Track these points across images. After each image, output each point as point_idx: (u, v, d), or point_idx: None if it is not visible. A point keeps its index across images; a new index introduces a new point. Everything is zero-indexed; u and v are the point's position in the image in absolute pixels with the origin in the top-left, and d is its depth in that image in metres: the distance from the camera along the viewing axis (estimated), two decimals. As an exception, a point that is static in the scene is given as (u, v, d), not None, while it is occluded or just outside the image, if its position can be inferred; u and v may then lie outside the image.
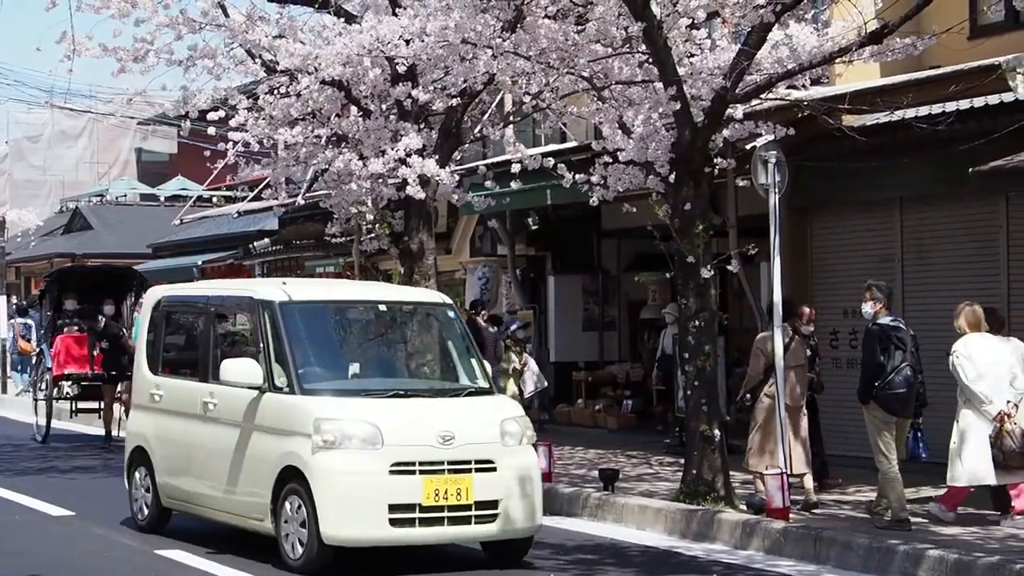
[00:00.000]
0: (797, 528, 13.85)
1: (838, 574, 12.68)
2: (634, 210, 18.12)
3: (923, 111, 16.93)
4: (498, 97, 21.75)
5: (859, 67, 16.95)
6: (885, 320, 14.76)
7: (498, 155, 23.80)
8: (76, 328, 25.84)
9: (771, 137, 16.15)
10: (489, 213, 24.59)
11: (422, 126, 19.12)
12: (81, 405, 26.73)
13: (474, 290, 28.98)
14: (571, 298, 26.93)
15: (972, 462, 14.23)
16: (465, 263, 29.67)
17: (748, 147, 16.73)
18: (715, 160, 16.42)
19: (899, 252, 19.13)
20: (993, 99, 16.45)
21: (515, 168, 18.92)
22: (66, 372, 25.43)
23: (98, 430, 25.50)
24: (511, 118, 21.11)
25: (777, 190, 16.00)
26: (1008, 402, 14.12)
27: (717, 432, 15.59)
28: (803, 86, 16.79)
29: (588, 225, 26.12)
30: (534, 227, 25.77)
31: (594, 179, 17.27)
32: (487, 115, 21.22)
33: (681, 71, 15.77)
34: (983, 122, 16.61)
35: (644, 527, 15.28)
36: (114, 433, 24.30)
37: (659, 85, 15.72)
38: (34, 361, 28.11)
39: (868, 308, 14.90)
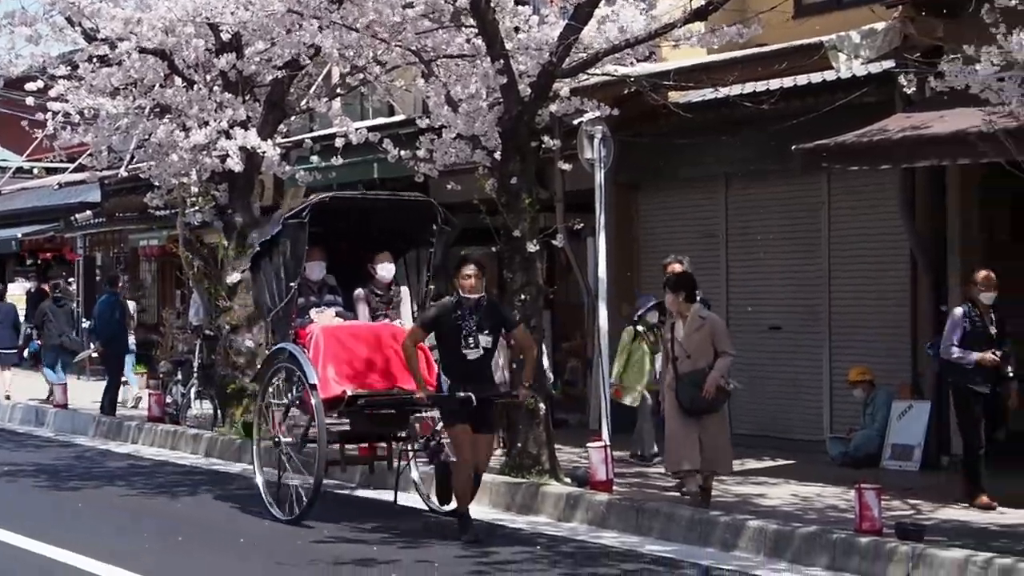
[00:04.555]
0: (620, 500, 13.92)
1: (660, 545, 12.74)
2: (459, 188, 18.06)
3: (748, 89, 17.12)
4: (325, 70, 21.56)
5: (686, 45, 17.06)
6: None
7: (324, 128, 23.61)
8: (337, 313, 15.07)
9: (597, 113, 16.21)
10: (315, 187, 24.40)
11: (247, 98, 18.93)
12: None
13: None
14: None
15: None
16: (292, 237, 29.32)
17: (575, 123, 16.78)
18: (542, 136, 16.42)
19: (724, 228, 19.32)
20: (816, 78, 16.69)
21: (339, 142, 18.81)
22: (349, 393, 14.01)
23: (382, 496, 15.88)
24: (338, 91, 20.95)
25: (603, 165, 16.06)
26: None
27: (542, 406, 15.60)
28: (630, 63, 16.87)
29: (416, 200, 25.99)
30: (361, 201, 25.63)
31: (420, 153, 17.19)
32: (313, 88, 21.05)
33: (508, 46, 15.73)
34: (806, 100, 16.86)
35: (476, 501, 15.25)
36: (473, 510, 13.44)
37: (487, 60, 15.68)
38: (259, 369, 15.90)
39: None
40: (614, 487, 14.38)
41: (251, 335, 19.68)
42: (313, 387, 13.88)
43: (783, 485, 15.22)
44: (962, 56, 11.05)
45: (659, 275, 15.85)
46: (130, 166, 24.62)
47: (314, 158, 20.52)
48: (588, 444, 14.89)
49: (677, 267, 15.96)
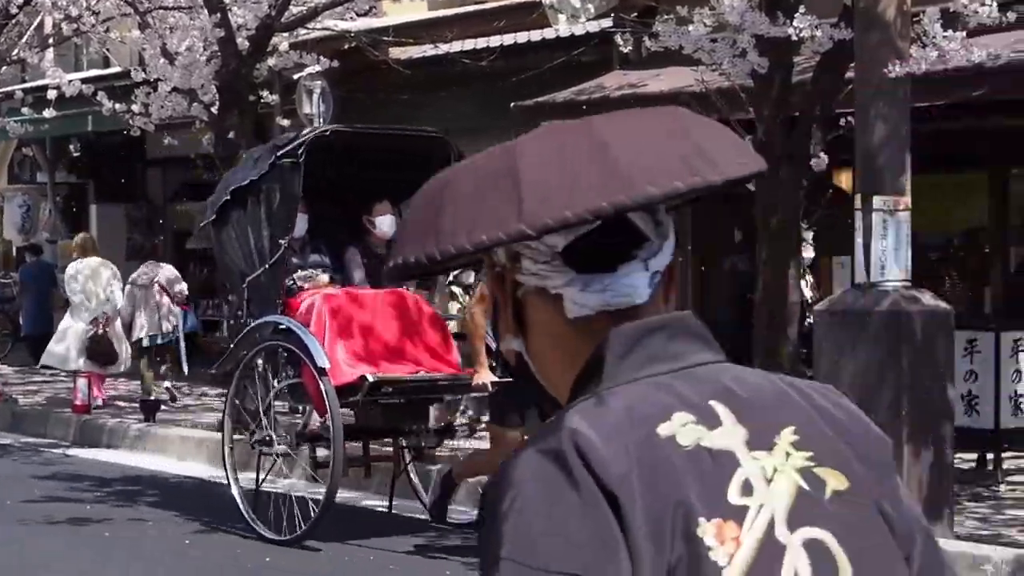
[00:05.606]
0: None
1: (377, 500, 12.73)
2: (176, 142, 17.76)
3: (468, 46, 17.20)
4: (37, 19, 21.06)
5: (407, 1, 17.09)
6: None
7: (37, 80, 23.07)
8: (330, 278, 11.99)
9: (317, 68, 16.15)
10: (27, 139, 23.88)
11: (-46, 47, 18.40)
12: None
13: (14, 219, 28.09)
14: (114, 227, 26.30)
15: (63, 352, 17.44)
16: (3, 190, 28.73)
17: (295, 77, 16.68)
18: (261, 91, 16.29)
19: (443, 185, 19.38)
20: (536, 36, 16.84)
21: (52, 94, 18.40)
22: (370, 377, 10.92)
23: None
24: (50, 41, 20.48)
25: (322, 120, 16.00)
26: (104, 313, 17.29)
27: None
28: (350, 18, 16.82)
29: (132, 153, 25.59)
30: (75, 154, 25.16)
31: (136, 107, 16.90)
32: (25, 37, 20.53)
33: (226, -1, 15.57)
34: (526, 58, 16.99)
35: (186, 458, 15.09)
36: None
37: (204, 12, 15.47)
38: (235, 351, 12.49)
39: None
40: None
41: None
42: (322, 371, 10.74)
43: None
44: (675, 17, 11.25)
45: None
46: None
47: (25, 110, 20.08)
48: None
49: None
